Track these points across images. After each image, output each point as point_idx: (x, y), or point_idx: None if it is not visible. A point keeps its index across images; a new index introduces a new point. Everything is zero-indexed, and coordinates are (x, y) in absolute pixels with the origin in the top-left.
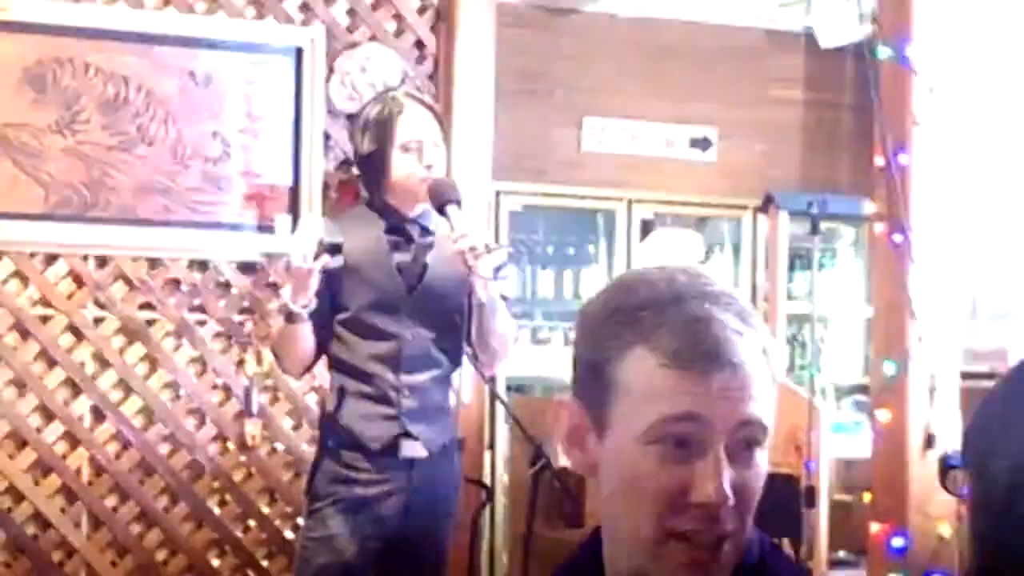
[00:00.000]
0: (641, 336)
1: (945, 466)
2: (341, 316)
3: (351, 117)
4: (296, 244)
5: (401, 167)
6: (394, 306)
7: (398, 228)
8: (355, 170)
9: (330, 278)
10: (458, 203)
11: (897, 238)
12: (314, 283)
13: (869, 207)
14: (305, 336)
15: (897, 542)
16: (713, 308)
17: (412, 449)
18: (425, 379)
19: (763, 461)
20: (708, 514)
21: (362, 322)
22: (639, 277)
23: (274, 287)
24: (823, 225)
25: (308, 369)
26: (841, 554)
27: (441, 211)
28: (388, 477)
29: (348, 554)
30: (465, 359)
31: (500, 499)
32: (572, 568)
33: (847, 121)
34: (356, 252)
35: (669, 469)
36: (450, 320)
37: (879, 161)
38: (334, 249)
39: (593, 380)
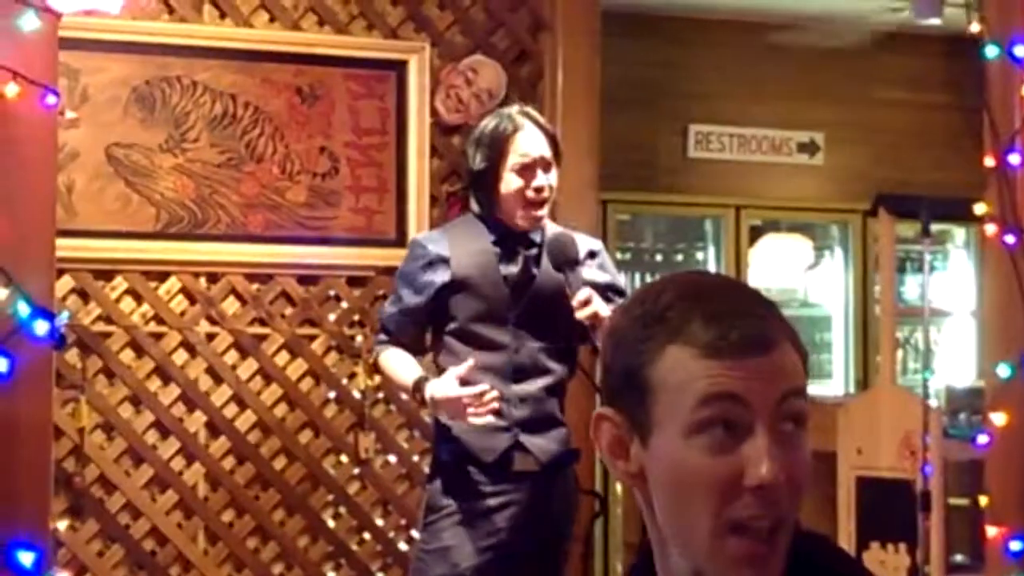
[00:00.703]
0: (672, 335)
1: None
2: (450, 327)
3: (457, 129)
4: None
5: (511, 184)
6: (502, 317)
7: (505, 239)
8: (466, 184)
9: (437, 290)
10: (577, 263)
11: (1009, 238)
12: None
13: (980, 208)
14: (409, 359)
15: (1015, 545)
16: (737, 298)
17: (524, 463)
18: (536, 389)
19: (809, 443)
20: (765, 498)
21: (471, 333)
22: (656, 285)
23: (383, 298)
24: (934, 227)
25: None
26: (958, 558)
27: (559, 269)
28: (502, 490)
29: (463, 567)
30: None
31: (614, 509)
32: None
33: (955, 121)
34: (464, 264)
35: (717, 458)
36: (560, 329)
37: (989, 161)
38: (441, 261)
39: (630, 387)
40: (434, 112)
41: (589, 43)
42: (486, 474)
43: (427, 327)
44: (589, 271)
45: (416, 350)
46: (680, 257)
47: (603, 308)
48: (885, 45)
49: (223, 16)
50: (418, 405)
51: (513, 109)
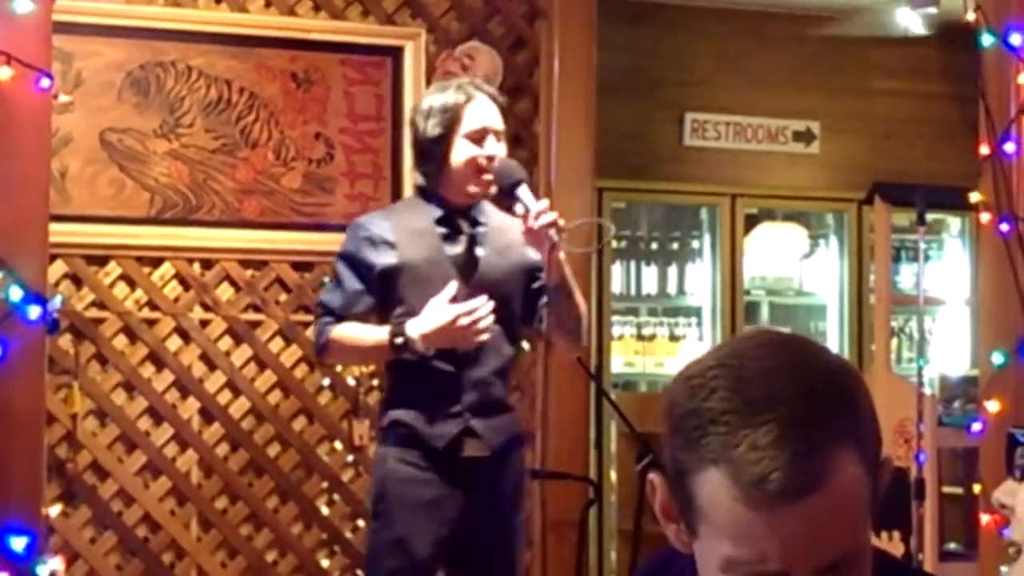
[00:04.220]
0: (715, 456)
1: (1013, 442)
2: (397, 312)
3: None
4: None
5: (462, 154)
6: (452, 300)
7: (449, 218)
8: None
9: (383, 275)
10: (525, 182)
11: (1004, 227)
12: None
13: (975, 196)
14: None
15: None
16: (795, 425)
17: (475, 448)
18: (487, 373)
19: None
20: None
21: None
22: (709, 370)
23: None
24: (929, 216)
25: None
26: (952, 546)
27: (510, 192)
28: (452, 476)
29: (419, 557)
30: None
31: (608, 497)
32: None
33: (951, 110)
34: (409, 246)
35: None
36: (507, 311)
37: (984, 150)
38: (385, 244)
39: (677, 484)
40: None
41: (585, 30)
42: (436, 461)
43: (372, 313)
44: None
45: None
46: (675, 245)
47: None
48: (881, 34)
49: (218, 1)
50: (404, 355)
51: (463, 81)
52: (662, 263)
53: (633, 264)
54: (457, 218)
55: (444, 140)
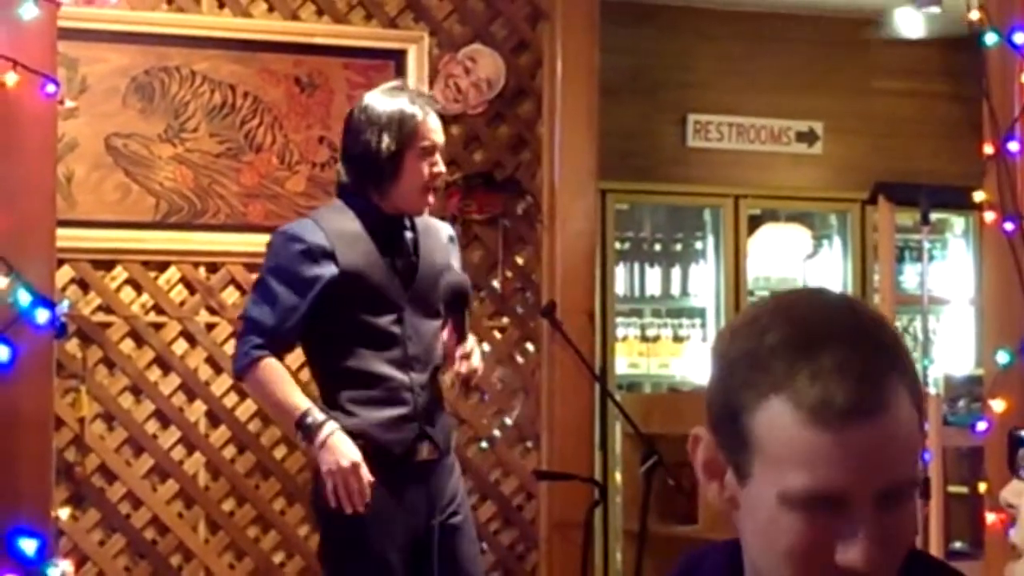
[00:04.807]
0: (776, 386)
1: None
2: (337, 325)
3: (456, 119)
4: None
5: (415, 171)
6: (396, 305)
7: (380, 224)
8: (341, 165)
9: (326, 287)
10: (467, 297)
11: (1008, 226)
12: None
13: (979, 196)
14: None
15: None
16: (854, 352)
17: (427, 451)
18: (428, 377)
19: (914, 510)
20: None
21: (365, 326)
22: (762, 314)
23: None
24: (932, 216)
25: None
26: (957, 545)
27: (459, 310)
28: (407, 481)
29: (392, 570)
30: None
31: (613, 497)
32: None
33: (954, 110)
34: (349, 255)
35: (810, 532)
36: (439, 313)
37: (988, 149)
38: (324, 254)
39: (730, 426)
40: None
41: (588, 32)
42: (391, 469)
43: (300, 332)
44: (454, 259)
45: (283, 357)
46: (679, 247)
47: (479, 361)
48: (883, 34)
49: (222, 6)
50: (296, 435)
51: (412, 94)
52: (666, 264)
53: (637, 265)
54: (390, 223)
55: (398, 156)
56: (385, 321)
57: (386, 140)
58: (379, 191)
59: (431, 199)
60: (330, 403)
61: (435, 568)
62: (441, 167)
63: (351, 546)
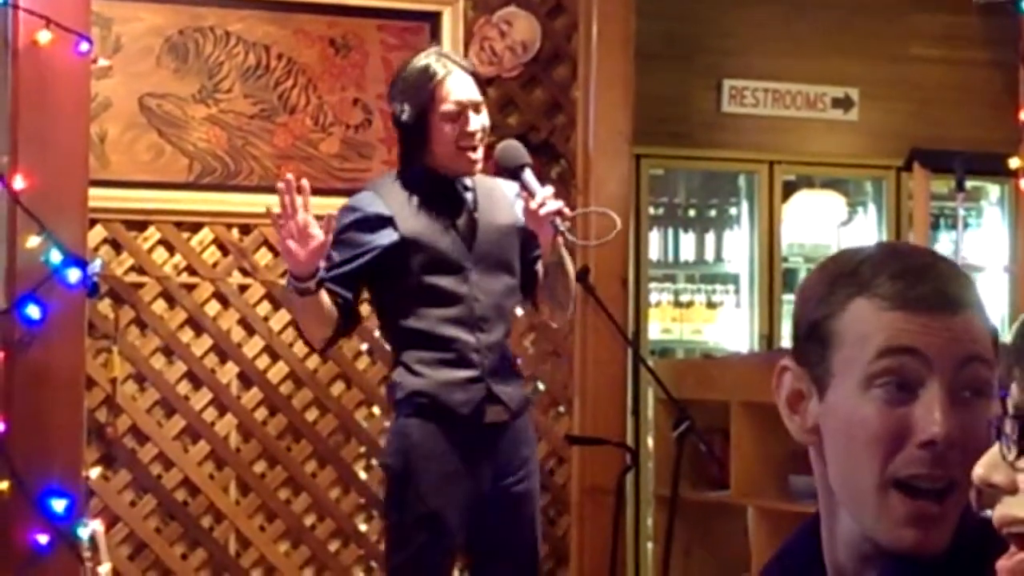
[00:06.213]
0: (860, 288)
1: None
2: (402, 287)
3: (491, 82)
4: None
5: (444, 134)
6: (460, 266)
7: (437, 188)
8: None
9: (384, 251)
10: (530, 166)
11: None
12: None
13: (1015, 163)
14: (326, 306)
15: None
16: (932, 262)
17: (496, 413)
18: (499, 336)
19: (988, 411)
20: (932, 456)
21: (429, 288)
22: (854, 247)
23: None
24: (968, 183)
25: (334, 341)
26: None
27: (514, 176)
28: (474, 444)
29: (449, 528)
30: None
31: (645, 462)
32: (788, 552)
33: (991, 77)
34: (410, 220)
35: (890, 411)
36: (508, 273)
37: None
38: (383, 221)
39: (813, 338)
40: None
41: None
42: (458, 430)
43: (352, 295)
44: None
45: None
46: (713, 212)
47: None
48: (920, 0)
49: None
50: (299, 289)
51: (435, 55)
52: (700, 230)
53: (671, 231)
54: (447, 186)
55: (422, 121)
56: (450, 282)
57: (408, 108)
58: (422, 155)
59: (474, 156)
60: (399, 363)
61: (490, 535)
62: (473, 124)
63: (412, 503)
